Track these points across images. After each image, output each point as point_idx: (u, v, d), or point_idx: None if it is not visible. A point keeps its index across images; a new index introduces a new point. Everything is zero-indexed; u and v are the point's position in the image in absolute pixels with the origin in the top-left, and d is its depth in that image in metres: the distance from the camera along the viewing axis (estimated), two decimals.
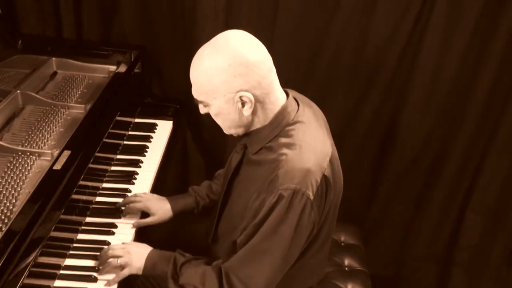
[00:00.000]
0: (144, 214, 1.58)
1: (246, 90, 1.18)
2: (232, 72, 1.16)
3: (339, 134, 2.11)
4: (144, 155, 1.85)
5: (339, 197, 1.36)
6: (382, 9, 1.88)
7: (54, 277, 1.33)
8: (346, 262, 1.77)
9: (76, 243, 1.45)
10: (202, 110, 1.29)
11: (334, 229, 1.43)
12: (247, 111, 1.21)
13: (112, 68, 1.97)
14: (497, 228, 2.17)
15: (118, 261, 1.35)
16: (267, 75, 1.20)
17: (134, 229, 1.54)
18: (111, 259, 1.36)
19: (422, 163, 2.14)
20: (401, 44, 1.93)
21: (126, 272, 1.36)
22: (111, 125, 1.70)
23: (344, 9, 1.90)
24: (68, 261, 1.39)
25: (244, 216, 1.27)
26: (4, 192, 1.33)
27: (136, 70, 1.98)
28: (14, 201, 1.31)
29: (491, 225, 2.16)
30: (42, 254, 1.22)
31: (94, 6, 2.05)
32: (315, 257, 1.39)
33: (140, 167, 1.80)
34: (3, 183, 1.36)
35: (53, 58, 1.96)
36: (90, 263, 1.40)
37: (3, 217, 1.24)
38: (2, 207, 1.27)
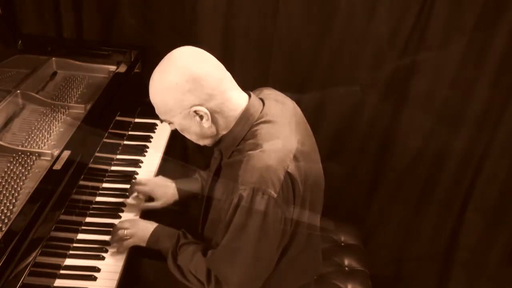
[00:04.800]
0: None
1: (198, 105, 1.21)
2: (181, 90, 1.19)
3: (339, 134, 2.12)
4: (144, 155, 1.85)
5: (317, 192, 1.35)
6: (382, 9, 1.88)
7: (54, 276, 1.33)
8: (346, 262, 1.77)
9: (76, 243, 1.45)
10: (171, 127, 1.32)
11: (319, 224, 1.42)
12: (206, 123, 1.24)
13: (112, 68, 1.97)
14: (497, 228, 2.17)
15: (125, 232, 1.43)
16: (217, 86, 1.21)
17: None
18: (119, 230, 1.44)
19: (422, 163, 2.13)
20: (401, 44, 1.93)
21: (130, 242, 1.44)
22: (111, 125, 1.70)
23: (344, 9, 1.90)
24: (68, 261, 1.39)
25: (221, 219, 1.28)
26: (4, 192, 1.33)
27: (136, 70, 1.98)
28: (14, 201, 1.30)
29: (491, 225, 2.17)
30: (42, 254, 1.22)
31: (94, 6, 2.05)
32: (304, 253, 1.39)
33: (140, 167, 1.80)
34: (3, 183, 1.35)
35: (53, 58, 1.96)
36: (90, 262, 1.40)
37: (3, 217, 1.24)
38: (2, 207, 1.27)
